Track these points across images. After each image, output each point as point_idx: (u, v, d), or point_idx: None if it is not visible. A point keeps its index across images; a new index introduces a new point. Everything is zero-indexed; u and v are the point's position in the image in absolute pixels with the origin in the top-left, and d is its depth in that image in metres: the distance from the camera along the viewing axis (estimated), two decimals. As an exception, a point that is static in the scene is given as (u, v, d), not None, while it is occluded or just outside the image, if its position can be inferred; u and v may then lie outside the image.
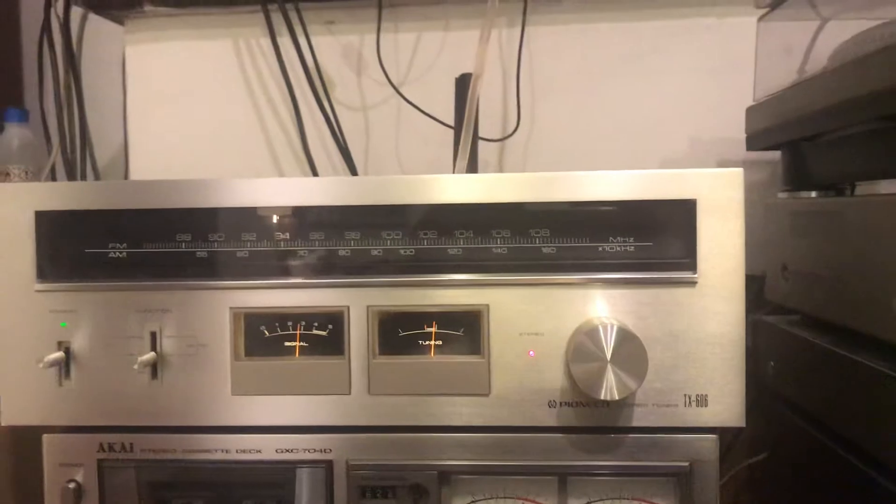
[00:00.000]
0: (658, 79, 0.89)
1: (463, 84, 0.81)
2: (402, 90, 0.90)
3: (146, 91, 0.97)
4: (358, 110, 0.93)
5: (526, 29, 0.88)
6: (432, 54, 0.91)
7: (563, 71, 0.91)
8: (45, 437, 0.53)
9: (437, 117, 0.88)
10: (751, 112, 0.77)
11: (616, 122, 0.90)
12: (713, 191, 0.49)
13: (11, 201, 0.52)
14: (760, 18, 0.78)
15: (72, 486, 0.52)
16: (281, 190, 0.51)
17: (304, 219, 0.52)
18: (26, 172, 1.04)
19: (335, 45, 0.93)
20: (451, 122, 0.86)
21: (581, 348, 0.47)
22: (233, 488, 0.52)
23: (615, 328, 0.47)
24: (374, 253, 0.51)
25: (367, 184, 0.51)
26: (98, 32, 1.07)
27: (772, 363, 0.71)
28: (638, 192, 0.50)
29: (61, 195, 0.52)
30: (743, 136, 0.77)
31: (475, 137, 0.78)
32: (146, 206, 0.52)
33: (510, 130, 0.91)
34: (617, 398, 0.46)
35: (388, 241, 0.51)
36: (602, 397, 0.46)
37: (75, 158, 1.04)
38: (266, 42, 0.92)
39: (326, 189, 0.51)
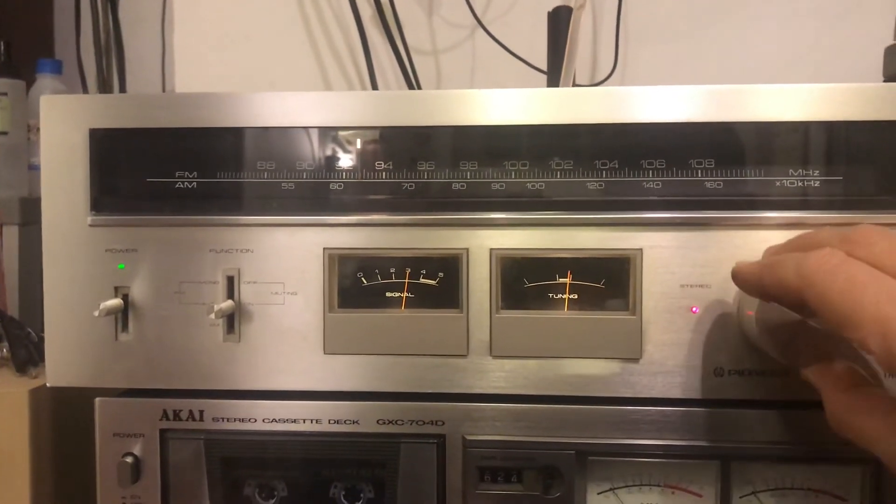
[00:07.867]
0: (767, 24, 0.79)
1: (557, 19, 0.71)
2: (478, 31, 0.81)
3: (196, 36, 0.87)
4: (428, 54, 0.84)
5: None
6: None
7: (661, 12, 0.81)
8: (98, 402, 0.44)
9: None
10: (893, 52, 0.67)
11: (720, 71, 0.80)
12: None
13: (61, 116, 0.43)
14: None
15: (128, 460, 0.44)
16: (384, 105, 0.42)
17: (411, 143, 0.43)
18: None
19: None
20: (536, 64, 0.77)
21: (768, 304, 0.37)
22: (322, 466, 0.43)
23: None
24: (496, 187, 0.42)
25: (484, 99, 0.42)
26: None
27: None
28: (830, 110, 0.40)
29: (122, 109, 0.43)
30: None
31: (574, 81, 0.68)
32: (222, 125, 0.43)
33: (599, 78, 0.81)
34: (822, 363, 0.36)
35: (512, 173, 0.42)
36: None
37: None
38: (327, -22, 0.83)
39: (438, 105, 0.42)
